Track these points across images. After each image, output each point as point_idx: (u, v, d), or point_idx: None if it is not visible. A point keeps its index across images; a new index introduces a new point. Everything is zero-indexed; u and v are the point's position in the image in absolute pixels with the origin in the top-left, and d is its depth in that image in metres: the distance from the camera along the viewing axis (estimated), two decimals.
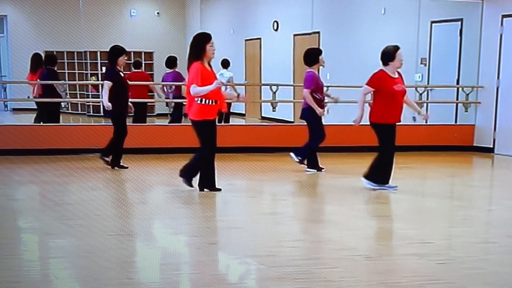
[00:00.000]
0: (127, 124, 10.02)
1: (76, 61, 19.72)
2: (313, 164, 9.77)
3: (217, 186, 8.05)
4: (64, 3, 16.81)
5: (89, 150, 10.05)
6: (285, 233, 6.50)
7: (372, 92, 8.23)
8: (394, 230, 6.81)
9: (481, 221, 7.28)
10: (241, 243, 5.93)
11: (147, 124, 13.44)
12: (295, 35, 16.61)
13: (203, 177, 8.00)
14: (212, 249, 5.89)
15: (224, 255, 5.71)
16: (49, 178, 9.24)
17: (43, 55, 13.17)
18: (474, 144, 12.79)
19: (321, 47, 15.67)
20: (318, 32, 15.56)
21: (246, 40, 19.06)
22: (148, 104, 15.08)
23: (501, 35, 12.15)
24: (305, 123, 9.80)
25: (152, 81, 15.61)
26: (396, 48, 8.15)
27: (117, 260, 5.37)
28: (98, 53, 18.46)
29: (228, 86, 14.19)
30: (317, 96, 9.56)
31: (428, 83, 13.21)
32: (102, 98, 9.51)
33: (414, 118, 13.08)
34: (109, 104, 9.40)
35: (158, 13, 20.64)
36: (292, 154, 9.75)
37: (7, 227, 6.43)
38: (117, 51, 9.66)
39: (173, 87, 12.73)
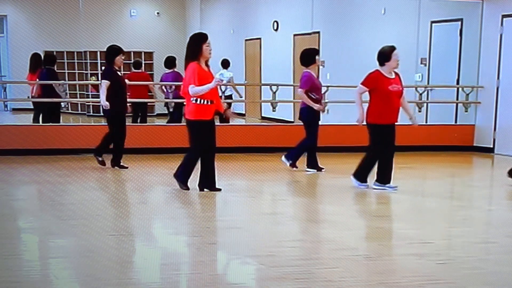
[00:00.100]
0: (127, 124, 10.04)
1: (76, 61, 19.72)
2: (313, 164, 9.77)
3: (217, 186, 8.05)
4: (64, 3, 16.82)
5: (89, 150, 10.04)
6: (285, 233, 6.51)
7: (368, 92, 8.25)
8: (394, 230, 6.81)
9: (481, 221, 7.28)
10: (241, 243, 5.93)
11: (147, 124, 13.46)
12: (295, 35, 16.61)
13: (203, 177, 8.00)
14: (212, 249, 5.89)
15: (224, 255, 5.71)
16: (49, 178, 9.24)
17: (42, 55, 13.17)
18: (474, 144, 12.79)
19: (321, 47, 15.73)
20: (318, 32, 15.57)
21: (246, 40, 19.06)
22: (148, 104, 15.09)
23: (501, 35, 12.15)
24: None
25: (152, 81, 15.62)
26: (392, 48, 8.16)
27: (118, 260, 5.37)
28: (98, 53, 18.45)
29: (228, 87, 14.22)
30: (313, 96, 9.57)
31: (428, 83, 13.21)
32: (100, 96, 9.50)
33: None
34: (107, 103, 9.41)
35: (158, 13, 20.65)
36: (283, 158, 9.76)
37: (7, 227, 6.43)
38: (114, 51, 9.68)
39: (173, 87, 12.73)
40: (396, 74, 8.28)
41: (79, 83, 18.72)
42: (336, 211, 7.52)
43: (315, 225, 6.93)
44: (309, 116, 9.63)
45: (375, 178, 8.40)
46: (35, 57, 13.11)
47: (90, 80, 18.61)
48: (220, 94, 13.78)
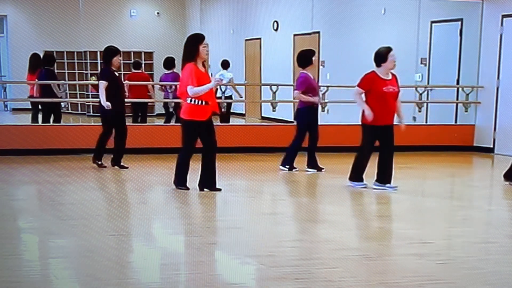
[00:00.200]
0: (127, 124, 10.05)
1: (76, 61, 19.72)
2: (313, 164, 9.78)
3: (217, 186, 8.06)
4: (64, 3, 16.82)
5: (89, 150, 10.04)
6: (285, 233, 6.51)
7: (364, 93, 8.27)
8: (394, 230, 6.81)
9: (481, 221, 7.28)
10: (241, 243, 5.93)
11: (147, 124, 13.46)
12: (295, 35, 16.61)
13: (203, 176, 8.02)
14: (212, 249, 5.89)
15: (224, 255, 5.71)
16: (49, 178, 9.24)
17: (42, 55, 13.17)
18: (474, 144, 12.79)
19: (321, 47, 15.74)
20: (318, 32, 15.57)
21: (246, 40, 19.06)
22: (148, 104, 15.09)
23: (501, 35, 12.15)
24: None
25: (152, 81, 15.62)
26: (389, 49, 8.18)
27: (117, 260, 5.37)
28: (98, 53, 18.42)
29: (228, 87, 14.22)
30: (309, 97, 9.60)
31: (428, 83, 13.21)
32: (100, 98, 9.51)
33: (414, 118, 13.10)
34: (108, 103, 9.43)
35: (158, 13, 20.64)
36: (280, 167, 9.78)
37: (7, 227, 6.43)
38: (111, 52, 9.70)
39: (173, 87, 12.73)
40: (393, 75, 8.30)
41: (79, 83, 18.71)
42: (336, 211, 7.53)
43: (315, 225, 6.93)
44: (303, 118, 9.66)
45: (375, 178, 8.41)
46: (34, 57, 13.13)
47: (90, 80, 18.60)
48: (220, 95, 13.82)
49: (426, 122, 13.23)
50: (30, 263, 5.29)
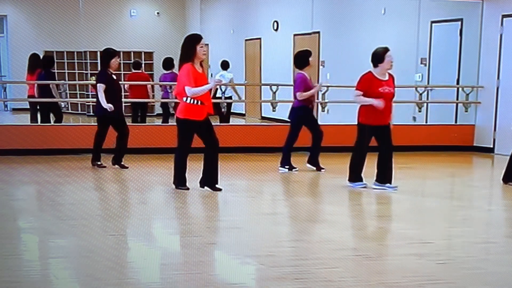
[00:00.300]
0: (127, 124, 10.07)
1: (76, 61, 19.72)
2: (313, 162, 9.81)
3: (218, 186, 8.06)
4: (64, 3, 16.81)
5: (89, 150, 10.04)
6: (285, 233, 6.51)
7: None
8: (394, 230, 6.81)
9: (481, 221, 7.28)
10: (241, 243, 5.93)
11: (147, 124, 13.47)
12: (295, 35, 16.61)
13: (205, 175, 8.04)
14: (212, 249, 5.89)
15: (224, 255, 5.70)
16: (49, 178, 9.24)
17: (42, 55, 13.18)
18: (474, 144, 12.79)
19: (321, 47, 15.74)
20: (318, 32, 15.57)
21: (246, 40, 19.06)
22: (149, 104, 15.10)
23: (501, 35, 12.15)
24: (304, 124, 9.81)
25: (152, 81, 15.62)
26: (386, 50, 8.19)
27: (117, 260, 5.37)
28: (98, 53, 18.37)
29: (228, 87, 14.21)
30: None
31: (428, 83, 13.21)
32: (100, 101, 9.51)
33: (414, 118, 13.11)
34: (110, 105, 9.45)
35: (158, 13, 20.64)
36: (280, 169, 9.78)
37: (7, 227, 6.43)
38: (109, 54, 9.71)
39: (173, 87, 12.73)
40: (390, 76, 8.30)
41: (79, 83, 18.72)
42: (336, 211, 7.53)
43: (315, 225, 6.93)
44: (297, 117, 9.69)
45: (375, 178, 8.41)
46: (33, 57, 13.14)
47: (90, 80, 18.61)
48: (220, 95, 13.83)
49: (426, 122, 13.23)
50: (30, 263, 5.29)
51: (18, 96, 15.71)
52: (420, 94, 12.89)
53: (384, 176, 8.36)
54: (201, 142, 8.03)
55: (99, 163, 9.86)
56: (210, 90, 8.09)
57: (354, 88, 8.27)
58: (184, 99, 7.80)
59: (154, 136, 11.33)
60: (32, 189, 8.91)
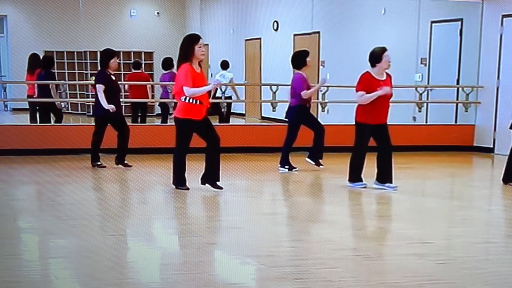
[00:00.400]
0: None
1: (76, 61, 19.71)
2: (313, 157, 9.83)
3: (219, 184, 8.07)
4: (64, 3, 16.81)
5: (89, 150, 10.04)
6: (285, 233, 6.51)
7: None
8: (394, 230, 6.81)
9: (481, 221, 7.28)
10: (241, 243, 5.93)
11: (147, 124, 13.46)
12: (295, 35, 16.61)
13: (207, 172, 8.05)
14: (212, 249, 5.89)
15: (224, 255, 5.70)
16: (48, 178, 9.24)
17: (42, 55, 13.19)
18: (474, 144, 12.79)
19: (321, 47, 15.73)
20: (318, 32, 15.57)
21: (246, 40, 19.06)
22: (148, 104, 15.10)
23: (501, 35, 12.15)
24: (303, 123, 9.81)
25: (152, 81, 15.62)
26: (384, 49, 8.19)
27: (117, 260, 5.37)
28: (98, 53, 18.38)
29: (228, 87, 14.21)
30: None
31: (428, 83, 13.21)
32: (101, 102, 9.51)
33: (414, 118, 13.11)
34: (112, 106, 9.47)
35: (158, 13, 20.64)
36: (279, 169, 9.77)
37: (7, 227, 6.43)
38: (108, 54, 9.72)
39: (172, 87, 12.74)
40: (388, 75, 8.31)
41: (79, 83, 18.71)
42: (336, 211, 7.53)
43: (315, 225, 6.93)
44: (294, 116, 9.70)
45: (375, 177, 8.42)
46: (33, 57, 13.14)
47: (90, 80, 18.59)
48: (220, 94, 13.83)
49: (426, 122, 13.22)
50: (30, 263, 5.29)
51: (18, 96, 15.70)
52: (420, 94, 12.89)
53: (384, 176, 8.36)
54: (201, 142, 8.04)
55: (98, 163, 9.87)
56: (210, 90, 8.11)
57: (355, 90, 8.26)
58: (183, 98, 7.81)
59: (154, 136, 11.33)
60: (32, 189, 8.91)
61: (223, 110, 13.68)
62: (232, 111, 14.97)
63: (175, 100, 12.51)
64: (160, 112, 14.41)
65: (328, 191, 8.82)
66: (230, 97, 14.45)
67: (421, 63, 13.36)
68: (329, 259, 5.42)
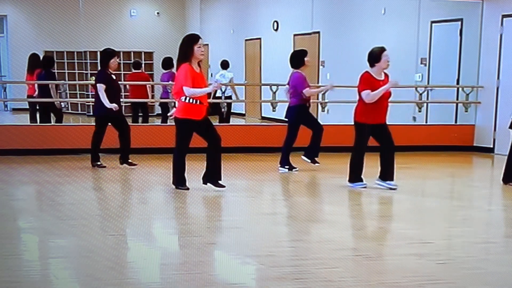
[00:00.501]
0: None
1: (76, 61, 19.72)
2: (310, 155, 9.83)
3: (221, 183, 8.06)
4: (64, 3, 16.81)
5: (89, 150, 10.04)
6: (285, 233, 6.51)
7: (358, 93, 8.29)
8: (394, 230, 6.81)
9: (481, 221, 7.28)
10: (241, 243, 5.93)
11: (147, 124, 13.46)
12: (295, 35, 16.61)
13: (208, 171, 8.05)
14: (212, 249, 5.89)
15: (224, 255, 5.70)
16: (48, 178, 9.24)
17: (42, 55, 13.19)
18: (474, 144, 12.79)
19: (321, 47, 15.73)
20: (318, 32, 15.57)
21: (246, 40, 19.06)
22: (149, 104, 15.10)
23: (501, 35, 12.15)
24: (302, 123, 9.81)
25: (152, 81, 15.62)
26: (382, 49, 8.20)
27: (117, 260, 5.37)
28: (98, 53, 18.37)
29: (228, 87, 14.21)
30: (303, 95, 9.62)
31: (428, 83, 13.21)
32: (103, 102, 9.52)
33: (414, 118, 13.10)
34: (114, 105, 9.49)
35: (158, 13, 20.64)
36: (280, 169, 9.78)
37: (7, 227, 6.43)
38: (108, 54, 9.73)
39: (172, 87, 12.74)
40: (386, 75, 8.31)
41: (79, 83, 18.72)
42: (335, 211, 7.53)
43: (315, 225, 6.93)
44: (294, 116, 9.70)
45: (378, 175, 8.44)
46: (33, 57, 13.14)
47: (90, 80, 18.58)
48: (220, 94, 13.83)
49: (426, 122, 13.22)
50: (30, 263, 5.29)
51: (18, 96, 15.71)
52: (420, 94, 12.88)
53: (385, 174, 8.39)
54: (201, 142, 8.04)
55: (98, 163, 9.87)
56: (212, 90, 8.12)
57: (358, 91, 8.23)
58: (183, 98, 7.81)
59: (154, 136, 11.33)
60: (32, 189, 8.91)
61: (223, 110, 13.68)
62: (232, 111, 14.96)
63: (175, 100, 12.58)
64: (160, 112, 14.41)
65: (328, 191, 8.82)
66: (230, 97, 14.45)
67: (421, 63, 13.36)
68: (329, 259, 5.42)
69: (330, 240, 6.10)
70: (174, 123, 8.18)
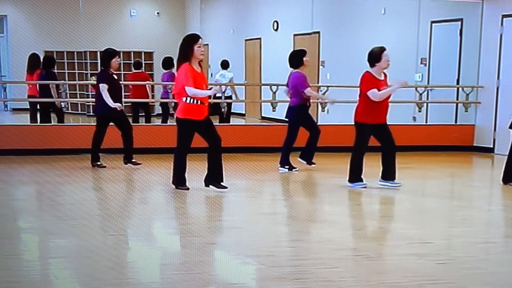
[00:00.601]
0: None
1: (76, 61, 19.72)
2: (306, 157, 9.84)
3: (224, 184, 8.06)
4: (64, 3, 16.81)
5: (89, 150, 10.04)
6: (285, 233, 6.51)
7: (359, 92, 8.30)
8: (394, 230, 6.81)
9: (481, 221, 7.28)
10: (241, 243, 5.93)
11: (147, 124, 13.46)
12: (295, 35, 16.61)
13: (210, 173, 8.05)
14: (212, 249, 5.89)
15: (224, 255, 5.71)
16: (48, 178, 9.24)
17: (42, 55, 13.19)
18: (474, 144, 12.79)
19: (321, 47, 15.73)
20: (318, 32, 15.57)
21: (246, 40, 19.06)
22: (149, 104, 15.10)
23: (501, 35, 12.15)
24: (302, 124, 9.82)
25: (152, 81, 15.62)
26: (382, 49, 8.21)
27: (117, 260, 5.37)
28: (98, 53, 18.39)
29: (228, 87, 14.21)
30: (303, 95, 9.64)
31: (428, 83, 13.21)
32: (106, 101, 9.53)
33: (414, 118, 13.10)
34: (118, 104, 9.53)
35: (158, 13, 20.64)
36: (280, 169, 9.77)
37: (7, 227, 6.43)
38: (109, 54, 9.74)
39: (172, 87, 12.74)
40: (384, 75, 8.32)
41: (79, 83, 18.72)
42: (335, 211, 7.53)
43: (315, 225, 6.93)
44: (294, 116, 9.71)
45: (380, 175, 8.45)
46: (33, 57, 13.13)
47: (90, 80, 18.59)
48: (220, 94, 13.82)
49: (426, 122, 13.22)
50: (30, 263, 5.29)
51: (18, 96, 15.71)
52: (420, 94, 12.89)
53: (386, 173, 8.40)
54: (202, 142, 8.04)
55: (98, 163, 9.88)
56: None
57: (362, 91, 8.21)
58: (184, 99, 7.82)
59: (154, 136, 11.33)
60: (32, 189, 8.91)
61: (223, 110, 13.68)
62: (232, 111, 14.96)
63: (175, 100, 12.57)
64: (160, 112, 14.41)
65: (328, 191, 8.81)
66: (230, 97, 14.45)
67: (421, 63, 13.36)
68: (329, 259, 5.42)
69: (330, 240, 6.10)
70: (175, 123, 8.19)
